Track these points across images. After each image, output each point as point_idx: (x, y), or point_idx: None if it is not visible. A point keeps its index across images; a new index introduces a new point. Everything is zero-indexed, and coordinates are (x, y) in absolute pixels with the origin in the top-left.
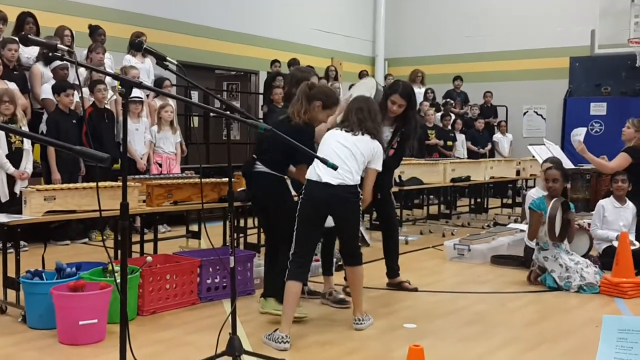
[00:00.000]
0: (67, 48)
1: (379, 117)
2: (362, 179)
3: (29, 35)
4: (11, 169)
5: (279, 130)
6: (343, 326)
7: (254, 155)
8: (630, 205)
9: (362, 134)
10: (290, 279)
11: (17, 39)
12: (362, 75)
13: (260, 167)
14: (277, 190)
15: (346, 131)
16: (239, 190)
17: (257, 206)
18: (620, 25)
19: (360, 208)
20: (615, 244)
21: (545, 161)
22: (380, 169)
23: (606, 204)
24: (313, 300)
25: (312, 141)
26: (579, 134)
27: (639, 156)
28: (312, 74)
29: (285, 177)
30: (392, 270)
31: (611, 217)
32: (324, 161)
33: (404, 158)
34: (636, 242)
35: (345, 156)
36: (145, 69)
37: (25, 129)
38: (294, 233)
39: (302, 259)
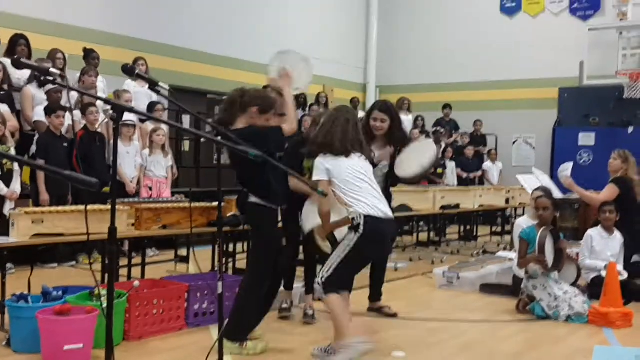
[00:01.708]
0: (59, 72)
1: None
2: None
3: (21, 59)
4: (4, 190)
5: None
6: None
7: (243, 189)
8: (617, 235)
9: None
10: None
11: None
12: (353, 102)
13: (252, 198)
14: (258, 222)
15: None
16: (228, 215)
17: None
18: (609, 57)
19: None
20: (604, 274)
21: (535, 190)
22: None
23: (594, 234)
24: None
25: (270, 134)
26: (565, 169)
27: (627, 187)
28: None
29: (276, 207)
30: (375, 294)
31: (599, 247)
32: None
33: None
34: (624, 273)
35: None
36: (146, 93)
37: (12, 150)
38: (340, 268)
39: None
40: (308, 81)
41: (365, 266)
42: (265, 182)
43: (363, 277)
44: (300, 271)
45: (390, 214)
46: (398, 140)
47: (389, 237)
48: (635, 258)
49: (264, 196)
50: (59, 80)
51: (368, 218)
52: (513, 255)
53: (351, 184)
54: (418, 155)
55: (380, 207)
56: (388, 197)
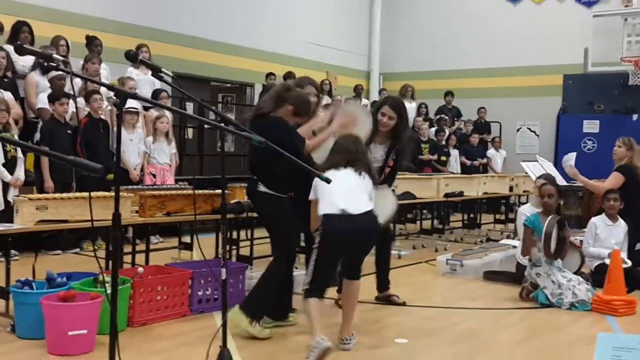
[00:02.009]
0: (62, 58)
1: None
2: None
3: (24, 45)
4: (8, 177)
5: (256, 125)
6: (333, 341)
7: (254, 176)
8: (622, 223)
9: (361, 174)
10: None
11: (2, 46)
12: (357, 89)
13: (260, 187)
14: (272, 211)
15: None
16: (232, 202)
17: (263, 224)
18: (614, 44)
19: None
20: (607, 261)
21: (539, 177)
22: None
23: (598, 222)
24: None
25: (294, 135)
26: (569, 159)
27: (632, 175)
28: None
29: (286, 196)
30: (383, 283)
31: (603, 235)
32: (318, 175)
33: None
34: (628, 261)
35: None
36: (149, 81)
37: (16, 138)
38: (316, 271)
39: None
40: (365, 132)
41: (338, 259)
42: (282, 173)
43: (369, 264)
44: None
45: (354, 209)
46: (401, 142)
47: (349, 233)
48: (639, 246)
49: (274, 185)
50: (62, 66)
51: (324, 217)
52: (516, 242)
53: (320, 185)
54: (381, 205)
55: (339, 204)
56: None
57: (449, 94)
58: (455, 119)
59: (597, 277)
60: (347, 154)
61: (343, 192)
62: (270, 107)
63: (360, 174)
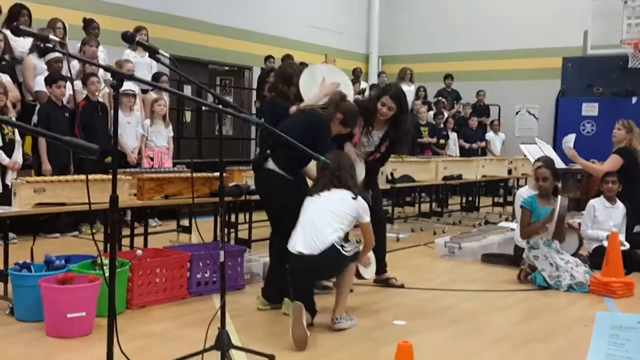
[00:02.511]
0: (59, 39)
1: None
2: None
3: (21, 26)
4: (6, 160)
5: (299, 119)
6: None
7: (268, 151)
8: (620, 205)
9: (340, 188)
10: None
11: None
12: (355, 72)
13: (270, 164)
14: (280, 191)
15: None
16: (230, 185)
17: (262, 201)
18: (613, 26)
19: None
20: (605, 243)
21: (537, 160)
22: (368, 220)
23: (597, 204)
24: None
25: (329, 133)
26: (569, 141)
27: (630, 157)
28: (301, 72)
29: (292, 178)
30: (380, 266)
31: (601, 217)
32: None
33: (398, 155)
34: (626, 243)
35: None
36: (147, 63)
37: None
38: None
39: None
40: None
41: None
42: (296, 157)
43: None
44: None
45: (306, 248)
46: (398, 133)
47: (295, 272)
48: (637, 228)
49: (284, 165)
50: (58, 47)
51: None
52: (515, 225)
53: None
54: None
55: (295, 242)
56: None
57: (448, 77)
58: (455, 102)
59: (595, 259)
60: (330, 174)
61: (306, 229)
62: (325, 108)
63: (339, 188)
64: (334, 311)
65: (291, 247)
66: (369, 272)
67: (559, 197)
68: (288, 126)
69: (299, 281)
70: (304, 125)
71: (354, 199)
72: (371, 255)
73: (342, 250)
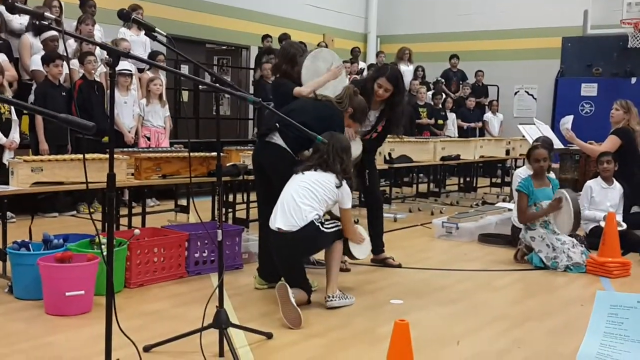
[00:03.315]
0: (54, 17)
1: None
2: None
3: (16, 3)
4: (3, 139)
5: (310, 106)
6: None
7: (277, 124)
8: (617, 185)
9: (326, 172)
10: None
11: None
12: (354, 52)
13: (277, 139)
14: (284, 167)
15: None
16: (227, 165)
17: (257, 171)
18: (613, 6)
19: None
20: (602, 224)
21: (536, 140)
22: (349, 207)
23: (594, 185)
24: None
25: (343, 127)
26: (566, 122)
27: (628, 138)
28: (303, 51)
29: (297, 157)
30: (377, 246)
31: (598, 198)
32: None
33: (396, 136)
34: (623, 223)
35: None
36: (142, 42)
37: None
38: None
39: None
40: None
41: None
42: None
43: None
44: None
45: (285, 225)
46: (394, 113)
47: (277, 250)
48: (634, 209)
49: (291, 142)
50: (54, 25)
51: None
52: (512, 205)
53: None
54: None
55: (275, 219)
56: (370, 154)
57: (454, 56)
58: (460, 82)
59: (592, 239)
60: (319, 156)
61: (285, 206)
62: (342, 101)
63: (325, 171)
64: (326, 289)
65: (271, 224)
66: (362, 252)
67: (565, 191)
68: (296, 110)
69: (282, 259)
70: (317, 113)
71: (338, 186)
72: (365, 234)
73: (321, 227)
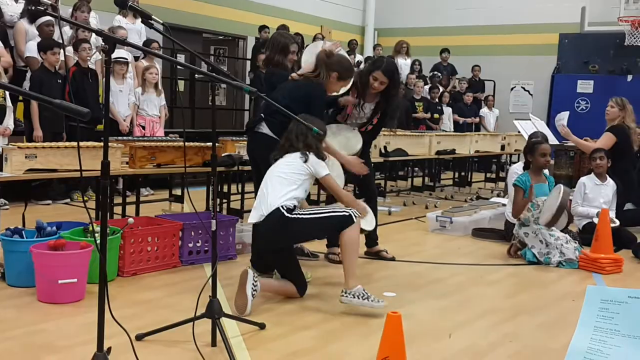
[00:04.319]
0: (50, 2)
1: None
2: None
3: None
4: None
5: (288, 87)
6: (323, 292)
7: (262, 115)
8: (610, 182)
9: (292, 152)
10: None
11: None
12: (351, 44)
13: (263, 128)
14: (268, 154)
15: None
16: (222, 155)
17: (252, 164)
18: (611, 3)
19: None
20: (596, 220)
21: (531, 136)
22: (325, 173)
23: (587, 182)
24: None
25: (324, 101)
26: (562, 119)
27: (623, 135)
28: (294, 41)
29: None
30: (371, 239)
31: (592, 194)
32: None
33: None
34: (616, 220)
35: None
36: (137, 30)
37: None
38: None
39: None
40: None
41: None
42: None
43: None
44: None
45: (256, 217)
46: (390, 106)
47: (254, 243)
48: (628, 206)
49: (278, 131)
50: (50, 10)
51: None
52: (506, 200)
53: None
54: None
55: (251, 214)
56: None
57: (444, 51)
58: (450, 76)
59: (585, 236)
60: (284, 139)
61: (258, 199)
62: (318, 73)
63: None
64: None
65: (249, 220)
66: (368, 224)
67: (562, 186)
68: (279, 93)
69: (262, 251)
70: (295, 94)
71: (305, 161)
72: (366, 205)
73: (285, 213)
